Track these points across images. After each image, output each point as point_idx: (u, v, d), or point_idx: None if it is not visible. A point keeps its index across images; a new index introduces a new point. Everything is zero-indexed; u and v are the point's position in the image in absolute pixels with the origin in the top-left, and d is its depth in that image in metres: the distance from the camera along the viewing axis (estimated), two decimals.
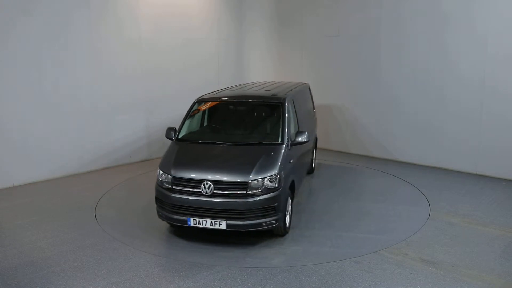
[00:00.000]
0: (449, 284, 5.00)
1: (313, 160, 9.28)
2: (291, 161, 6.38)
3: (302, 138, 6.49)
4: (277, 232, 6.14)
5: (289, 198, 6.22)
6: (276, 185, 5.80)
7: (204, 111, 7.39)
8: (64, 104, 9.12)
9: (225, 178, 5.75)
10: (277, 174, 5.83)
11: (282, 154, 6.09)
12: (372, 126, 10.77)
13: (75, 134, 9.35)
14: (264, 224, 5.71)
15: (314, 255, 5.72)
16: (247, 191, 5.67)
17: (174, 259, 5.63)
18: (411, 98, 9.96)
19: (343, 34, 11.00)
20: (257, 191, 5.69)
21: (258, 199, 5.67)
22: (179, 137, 6.82)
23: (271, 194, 5.73)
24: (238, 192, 5.68)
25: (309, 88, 9.55)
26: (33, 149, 8.79)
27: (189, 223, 5.80)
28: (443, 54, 9.33)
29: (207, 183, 5.73)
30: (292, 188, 6.44)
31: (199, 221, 5.74)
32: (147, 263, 5.54)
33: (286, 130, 6.45)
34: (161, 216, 6.13)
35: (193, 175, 5.86)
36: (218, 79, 11.87)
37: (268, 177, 5.76)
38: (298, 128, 7.21)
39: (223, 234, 6.18)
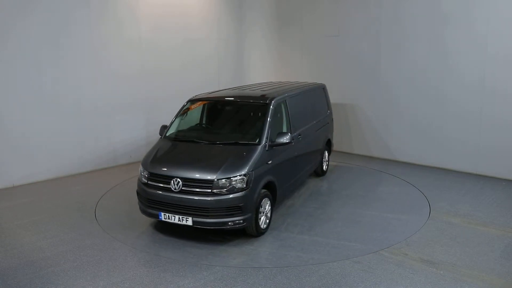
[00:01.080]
0: (449, 284, 5.00)
1: (324, 163, 9.12)
2: (269, 162, 6.34)
3: (283, 140, 6.42)
4: (250, 232, 6.15)
5: (266, 199, 6.27)
6: (244, 185, 5.83)
7: (194, 110, 7.55)
8: (64, 104, 9.13)
9: (192, 176, 5.89)
10: (246, 174, 5.86)
11: (255, 155, 6.11)
12: (372, 126, 10.77)
13: (75, 134, 9.35)
14: (230, 223, 5.79)
15: (277, 258, 5.64)
16: (212, 189, 5.77)
17: (174, 259, 5.63)
18: (411, 98, 9.96)
19: (343, 34, 11.00)
20: (223, 190, 5.76)
21: (223, 198, 5.74)
22: (167, 134, 7.03)
23: (237, 194, 5.78)
24: (204, 190, 5.80)
25: (324, 89, 9.39)
26: (33, 149, 8.79)
27: (160, 217, 6.06)
28: (443, 54, 9.33)
29: (176, 180, 5.93)
30: (273, 189, 6.49)
31: (168, 216, 5.98)
32: (147, 263, 5.54)
33: (266, 131, 6.40)
34: (140, 209, 6.43)
35: (164, 172, 6.09)
36: (218, 79, 11.87)
37: (235, 177, 5.80)
38: (291, 130, 7.16)
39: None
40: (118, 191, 8.34)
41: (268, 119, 6.53)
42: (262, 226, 6.24)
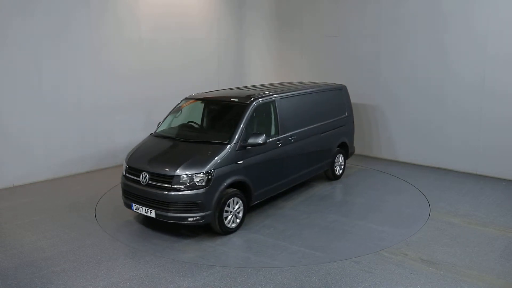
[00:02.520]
0: (449, 284, 5.00)
1: (337, 167, 8.85)
2: (240, 162, 6.38)
3: (256, 140, 6.40)
4: (216, 230, 6.26)
5: (236, 199, 6.34)
6: (203, 183, 5.95)
7: (184, 109, 7.68)
8: (64, 104, 9.13)
9: (157, 171, 6.19)
10: (205, 172, 5.98)
11: (220, 154, 6.19)
12: (372, 126, 10.77)
13: (75, 134, 9.35)
14: (189, 219, 5.98)
15: (226, 258, 5.68)
16: (172, 185, 5.97)
17: (174, 259, 5.63)
18: (410, 98, 9.96)
19: (343, 34, 11.00)
20: (182, 186, 5.95)
21: (180, 193, 5.94)
22: (157, 131, 7.33)
23: (195, 191, 5.93)
24: (165, 185, 6.03)
25: (342, 90, 9.12)
26: (33, 149, 8.79)
27: (132, 208, 6.46)
28: (443, 54, 9.33)
29: (144, 174, 6.27)
30: (246, 189, 6.55)
31: (138, 207, 6.34)
32: (147, 263, 5.54)
33: (238, 131, 6.44)
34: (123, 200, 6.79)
35: (136, 165, 6.48)
36: (218, 79, 11.88)
37: (195, 174, 5.95)
38: (279, 131, 7.15)
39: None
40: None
41: (243, 120, 6.56)
42: (229, 225, 6.32)
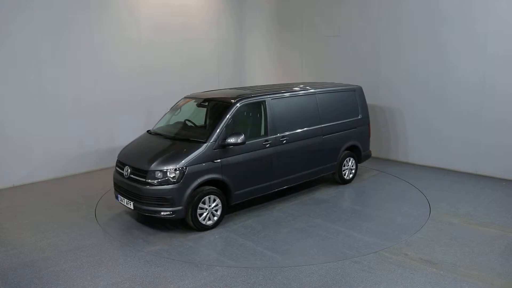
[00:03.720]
0: (449, 284, 5.00)
1: (346, 171, 8.60)
2: (217, 160, 6.46)
3: (234, 140, 6.47)
4: (191, 226, 6.41)
5: (212, 197, 6.46)
6: (175, 179, 6.12)
7: (182, 107, 7.79)
8: (64, 104, 9.13)
9: (135, 165, 6.49)
10: (177, 169, 6.15)
11: (195, 152, 6.31)
12: (372, 126, 10.75)
13: (75, 133, 9.36)
14: (162, 213, 6.21)
15: (191, 253, 5.79)
16: (146, 179, 6.22)
17: (174, 259, 5.63)
18: (410, 98, 9.96)
19: (343, 34, 11.00)
20: (154, 181, 6.17)
21: (153, 188, 6.17)
22: (154, 128, 7.53)
23: (166, 186, 6.14)
24: (141, 179, 6.30)
25: (356, 92, 8.82)
26: (33, 149, 8.79)
27: (118, 199, 6.82)
28: (443, 55, 9.33)
29: (126, 168, 6.62)
30: (226, 188, 6.64)
31: (121, 198, 6.70)
32: (147, 263, 5.54)
33: (217, 130, 6.53)
34: None
35: (123, 160, 6.86)
36: (218, 79, 11.88)
37: (166, 170, 6.15)
38: (268, 132, 7.14)
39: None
40: None
41: (224, 119, 6.64)
42: (205, 222, 6.45)
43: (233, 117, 6.76)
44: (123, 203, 6.68)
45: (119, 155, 7.08)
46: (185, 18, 10.99)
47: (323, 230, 6.49)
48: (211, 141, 6.44)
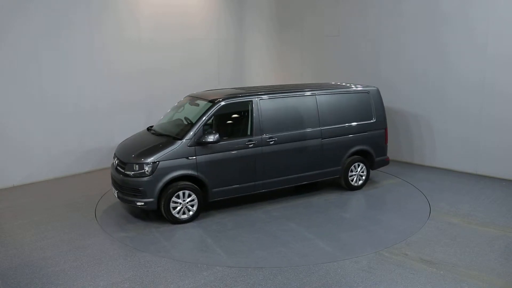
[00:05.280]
0: (449, 284, 5.00)
1: (355, 177, 8.18)
2: (192, 158, 6.67)
3: (208, 139, 6.68)
4: (166, 218, 6.73)
5: (187, 192, 6.69)
6: (148, 173, 6.48)
7: (180, 105, 7.96)
8: (64, 103, 9.13)
9: (120, 158, 6.96)
10: (149, 163, 6.51)
11: (169, 148, 6.63)
12: None
13: (75, 133, 9.36)
14: (137, 203, 6.62)
15: (150, 244, 6.06)
16: (125, 171, 6.70)
17: (174, 259, 5.63)
18: (410, 98, 9.97)
19: (343, 34, 11.00)
20: (131, 173, 6.59)
21: (129, 179, 6.63)
22: (152, 125, 7.84)
23: (140, 179, 6.53)
24: (121, 171, 6.78)
25: (370, 94, 8.31)
26: (33, 149, 8.79)
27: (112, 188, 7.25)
28: (443, 55, 9.33)
29: (116, 160, 7.11)
30: (202, 184, 6.83)
31: (112, 188, 7.21)
32: (147, 263, 5.54)
33: (194, 128, 6.76)
34: None
35: (116, 152, 7.28)
36: (218, 79, 11.88)
37: (140, 163, 6.54)
38: (253, 132, 7.12)
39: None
40: None
41: (203, 118, 6.85)
42: (179, 216, 6.71)
43: (214, 116, 6.97)
44: (113, 192, 7.11)
45: (116, 148, 7.51)
46: (185, 18, 10.98)
47: (290, 235, 6.32)
48: (186, 138, 6.69)
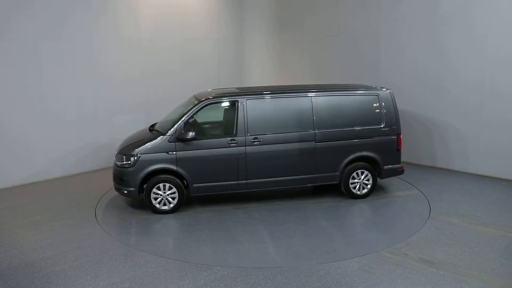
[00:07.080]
0: (449, 284, 5.00)
1: (357, 184, 7.71)
2: (172, 153, 7.03)
3: (186, 136, 7.00)
4: (148, 208, 7.18)
5: (167, 185, 7.06)
6: (130, 164, 7.01)
7: (182, 105, 8.05)
8: (64, 104, 9.13)
9: (117, 150, 7.44)
10: (131, 155, 7.04)
11: (150, 143, 7.09)
12: None
13: (75, 134, 9.36)
14: (124, 191, 7.18)
15: (117, 229, 6.59)
16: (116, 161, 7.31)
17: (174, 259, 5.63)
18: (410, 98, 9.96)
19: (343, 34, 10.99)
20: (119, 163, 7.18)
21: (116, 169, 7.28)
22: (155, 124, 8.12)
23: (124, 169, 7.09)
24: (115, 162, 7.37)
25: (380, 98, 7.73)
26: (33, 149, 8.79)
27: None
28: (443, 55, 9.33)
29: (116, 152, 7.50)
30: (182, 178, 7.16)
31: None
32: (147, 263, 5.54)
33: (176, 125, 7.10)
34: None
35: (120, 145, 7.71)
36: (218, 79, 11.88)
37: (124, 155, 7.11)
38: (236, 132, 7.18)
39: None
40: None
41: (185, 116, 7.16)
42: (159, 207, 7.14)
43: (195, 114, 7.22)
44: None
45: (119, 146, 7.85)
46: (185, 18, 10.98)
47: (247, 237, 6.28)
48: (167, 134, 7.08)
